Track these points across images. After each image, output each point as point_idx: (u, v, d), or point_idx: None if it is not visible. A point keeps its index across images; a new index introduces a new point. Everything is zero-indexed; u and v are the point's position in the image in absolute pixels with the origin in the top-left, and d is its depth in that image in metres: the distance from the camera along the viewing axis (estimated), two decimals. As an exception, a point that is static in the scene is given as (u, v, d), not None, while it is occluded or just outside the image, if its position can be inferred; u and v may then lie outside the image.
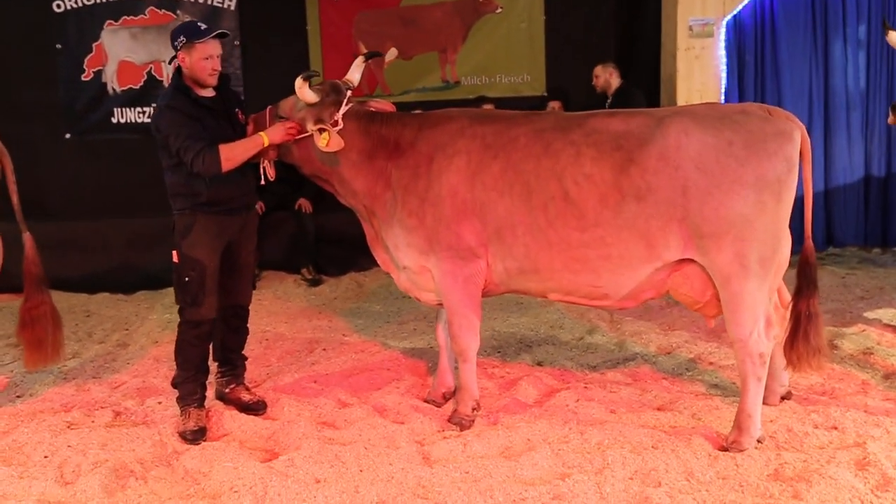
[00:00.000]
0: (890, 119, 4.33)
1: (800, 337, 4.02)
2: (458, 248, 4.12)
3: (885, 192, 7.89)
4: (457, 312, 4.25)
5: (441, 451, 4.00)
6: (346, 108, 4.24)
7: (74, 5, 8.07)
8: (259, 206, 7.67)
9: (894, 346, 5.35)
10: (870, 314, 6.10)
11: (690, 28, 7.45)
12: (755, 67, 7.55)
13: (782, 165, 3.76)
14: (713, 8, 7.43)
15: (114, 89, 8.21)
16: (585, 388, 4.78)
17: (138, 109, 8.24)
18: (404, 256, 4.29)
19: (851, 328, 5.73)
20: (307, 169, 4.42)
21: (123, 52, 8.14)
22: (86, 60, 8.14)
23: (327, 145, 4.13)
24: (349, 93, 4.32)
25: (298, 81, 4.12)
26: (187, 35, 4.14)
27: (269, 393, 4.81)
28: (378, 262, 4.55)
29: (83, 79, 8.16)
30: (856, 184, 7.91)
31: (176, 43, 4.17)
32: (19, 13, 8.07)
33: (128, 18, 8.11)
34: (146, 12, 8.13)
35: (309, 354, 5.67)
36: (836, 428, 4.10)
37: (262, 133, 4.20)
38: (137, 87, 8.24)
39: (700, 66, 7.52)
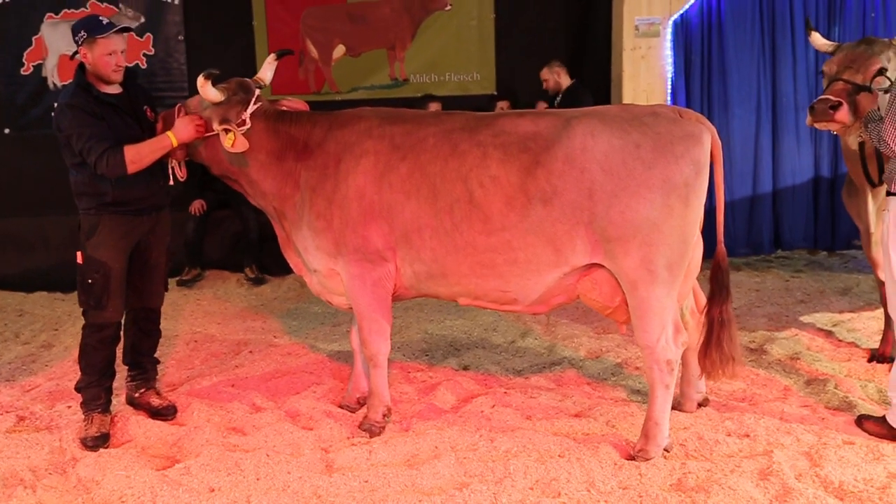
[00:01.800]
0: (808, 121, 4.27)
1: (713, 344, 3.98)
2: (366, 252, 4.03)
3: (833, 194, 7.82)
4: (366, 317, 4.16)
5: (345, 459, 3.92)
6: (255, 107, 4.14)
7: (14, -3, 7.93)
8: (200, 205, 7.62)
9: (823, 350, 5.32)
10: (806, 318, 6.07)
11: (636, 27, 7.38)
12: (702, 68, 7.48)
13: (690, 169, 3.69)
14: (659, 7, 7.36)
15: (54, 84, 8.06)
16: (505, 393, 4.71)
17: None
18: (313, 259, 4.20)
19: (784, 332, 5.69)
20: (216, 169, 4.32)
21: (64, 46, 7.96)
22: (25, 54, 7.98)
23: (233, 146, 4.02)
24: (258, 91, 4.21)
25: (200, 80, 4.01)
26: (88, 30, 4.02)
27: (183, 397, 4.70)
28: (290, 265, 4.46)
29: (22, 73, 8.00)
30: (804, 186, 7.85)
31: (77, 38, 4.05)
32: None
33: (68, 11, 7.95)
34: (87, 5, 7.97)
35: (234, 357, 5.57)
36: (747, 436, 4.05)
37: (169, 132, 4.08)
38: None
39: (646, 66, 7.46)
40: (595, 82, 7.98)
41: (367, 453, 3.96)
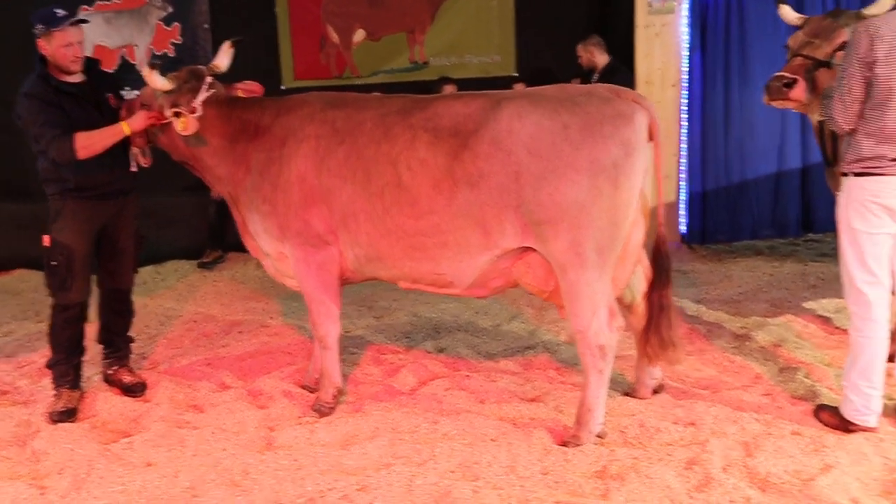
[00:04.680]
0: (764, 99, 4.08)
1: (652, 329, 3.90)
2: (308, 236, 4.10)
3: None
4: (314, 299, 4.24)
5: (286, 438, 4.01)
6: (207, 94, 4.23)
7: (49, -8, 8.27)
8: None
9: (813, 338, 5.12)
10: (810, 304, 5.84)
11: (650, 4, 7.18)
12: (721, 43, 7.19)
13: (618, 149, 3.60)
14: (674, -16, 7.14)
15: (89, 73, 8.38)
16: (467, 376, 4.71)
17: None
18: (264, 243, 4.29)
19: (779, 318, 5.49)
20: (175, 155, 4.45)
21: (98, 37, 8.29)
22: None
23: (184, 129, 4.13)
24: (210, 79, 4.30)
25: (145, 70, 4.13)
26: (45, 23, 4.19)
27: (155, 375, 4.88)
28: (248, 248, 4.56)
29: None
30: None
31: (34, 31, 4.22)
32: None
33: (101, 3, 8.25)
34: (120, -5, 8.27)
35: (224, 336, 5.74)
36: (693, 424, 3.95)
37: (123, 122, 4.23)
38: (112, 70, 8.39)
39: (661, 44, 7.25)
40: (620, 61, 7.80)
41: (308, 433, 4.04)
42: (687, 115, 7.29)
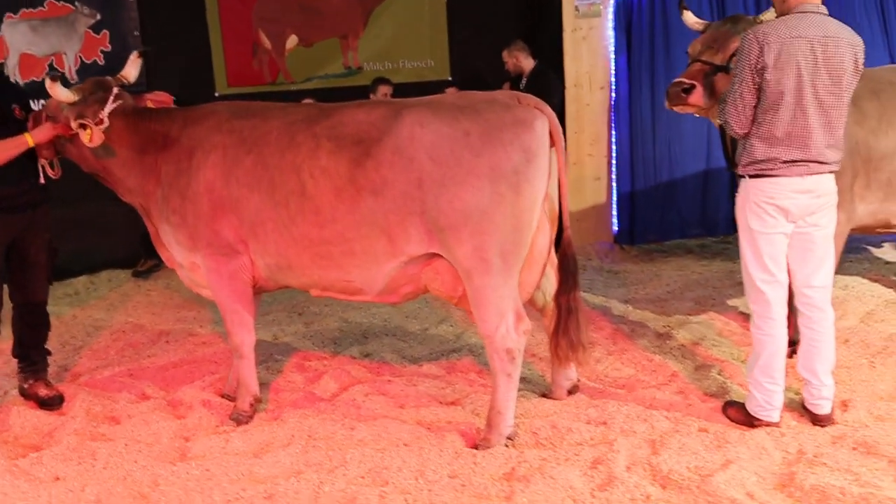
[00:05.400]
0: (666, 104, 4.17)
1: (560, 331, 3.95)
2: (218, 246, 4.09)
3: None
4: (227, 309, 4.23)
5: (200, 448, 3.99)
6: (114, 105, 4.19)
7: (-28, -2, 8.12)
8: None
9: (733, 335, 5.23)
10: (734, 301, 5.95)
11: (577, 8, 7.26)
12: (648, 46, 7.29)
13: (519, 156, 3.65)
14: (600, -13, 7.23)
15: (16, 81, 8.25)
16: (389, 381, 4.73)
17: (42, 102, 8.27)
18: (176, 253, 4.27)
19: (701, 316, 5.61)
20: (85, 167, 4.40)
21: (24, 45, 8.16)
22: (-13, 54, 8.20)
23: (90, 141, 4.09)
24: (117, 90, 4.26)
25: (47, 81, 4.08)
26: None
27: (73, 387, 4.82)
28: (163, 259, 4.53)
29: (-16, 72, 8.22)
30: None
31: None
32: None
33: (26, 11, 8.12)
34: (45, 4, 8.13)
35: (151, 346, 5.69)
36: (605, 423, 4.01)
37: (26, 133, 4.19)
38: (40, 79, 8.26)
39: (588, 47, 7.34)
40: (550, 64, 7.88)
41: (223, 442, 4.03)
42: (615, 117, 7.38)
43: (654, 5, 7.25)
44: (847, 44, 3.50)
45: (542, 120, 3.72)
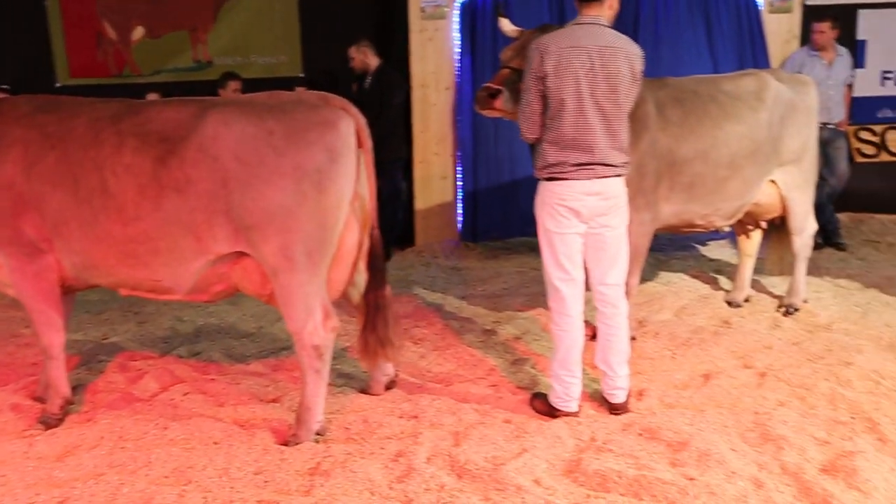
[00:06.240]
0: (476, 107, 4.32)
1: (368, 328, 4.04)
2: (21, 244, 3.97)
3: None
4: (33, 309, 4.12)
5: (1, 453, 3.88)
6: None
7: None
8: None
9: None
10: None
11: (423, 9, 7.39)
12: (491, 48, 7.48)
13: (322, 155, 3.70)
14: (445, -11, 7.38)
15: None
16: (212, 380, 4.71)
17: None
18: (-21, 252, 4.13)
19: (529, 312, 5.82)
20: None
21: None
22: None
23: None
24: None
25: None
26: None
27: None
28: (-33, 258, 4.36)
29: None
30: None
31: None
32: None
33: None
34: None
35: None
36: (416, 417, 4.12)
37: None
38: None
39: (434, 48, 7.48)
40: (400, 63, 7.98)
41: (26, 446, 3.92)
42: (459, 117, 7.55)
43: (497, 8, 7.43)
44: (623, 53, 3.73)
45: (348, 120, 3.79)
